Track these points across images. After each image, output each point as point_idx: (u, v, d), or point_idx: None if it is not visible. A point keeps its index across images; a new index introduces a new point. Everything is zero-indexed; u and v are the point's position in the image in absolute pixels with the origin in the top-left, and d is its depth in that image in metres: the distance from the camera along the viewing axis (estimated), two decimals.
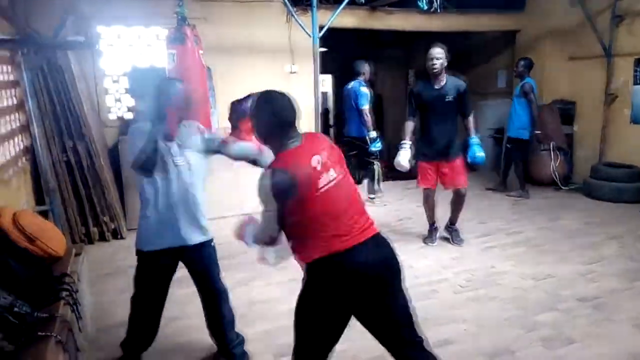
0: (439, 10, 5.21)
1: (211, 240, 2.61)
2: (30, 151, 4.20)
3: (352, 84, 5.79)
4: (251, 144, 2.54)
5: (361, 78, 5.79)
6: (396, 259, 1.94)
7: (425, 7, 5.16)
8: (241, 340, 2.74)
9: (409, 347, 1.97)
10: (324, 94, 10.95)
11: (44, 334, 2.11)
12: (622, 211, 5.41)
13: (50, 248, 2.98)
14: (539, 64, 7.09)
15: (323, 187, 1.84)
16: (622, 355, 2.70)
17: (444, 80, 4.13)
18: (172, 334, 3.00)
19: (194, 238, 2.50)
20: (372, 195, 6.00)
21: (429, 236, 4.60)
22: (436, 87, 4.14)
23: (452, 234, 4.56)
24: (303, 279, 1.94)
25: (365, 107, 5.60)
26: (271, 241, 1.97)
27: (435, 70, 4.07)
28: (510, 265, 3.96)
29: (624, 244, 4.39)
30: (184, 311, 3.20)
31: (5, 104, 3.70)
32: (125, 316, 2.73)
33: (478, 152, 4.14)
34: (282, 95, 1.95)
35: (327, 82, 10.82)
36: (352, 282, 1.84)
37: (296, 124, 1.95)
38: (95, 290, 3.56)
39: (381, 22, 6.54)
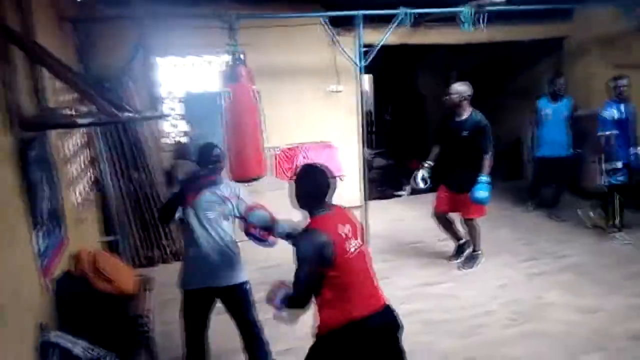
0: (483, 29, 5.18)
1: (246, 282, 2.95)
2: (98, 182, 4.52)
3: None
4: (266, 213, 2.87)
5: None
6: (398, 321, 2.32)
7: (471, 30, 5.13)
8: None
9: None
10: (363, 93, 11.00)
11: None
12: None
13: (124, 287, 3.27)
14: (585, 73, 6.96)
15: (350, 252, 2.17)
16: None
17: (465, 115, 4.35)
18: None
19: (229, 280, 2.87)
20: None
21: (454, 253, 4.78)
22: (456, 119, 4.38)
23: (466, 258, 4.67)
24: (316, 334, 2.23)
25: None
26: (305, 303, 2.16)
27: (448, 104, 4.35)
28: (558, 295, 4.00)
29: None
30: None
31: (78, 143, 4.01)
32: None
33: (479, 191, 4.21)
34: (322, 171, 2.29)
35: (364, 81, 10.86)
36: (367, 344, 2.17)
37: (328, 198, 2.28)
38: (161, 318, 3.84)
39: (422, 38, 6.56)
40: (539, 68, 8.20)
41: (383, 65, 10.78)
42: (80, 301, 2.73)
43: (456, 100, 4.29)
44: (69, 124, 2.57)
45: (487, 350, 3.30)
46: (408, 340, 3.39)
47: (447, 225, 4.75)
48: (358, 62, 5.26)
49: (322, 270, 2.11)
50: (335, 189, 2.29)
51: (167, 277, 4.68)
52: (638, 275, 4.28)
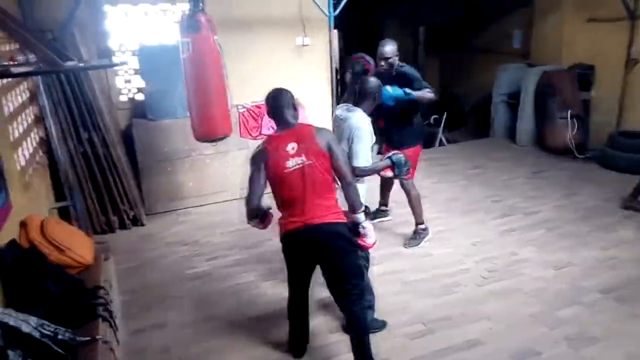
0: None
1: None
2: (45, 143, 4.15)
3: None
4: None
5: None
6: (337, 237, 2.52)
7: None
8: None
9: (345, 296, 2.61)
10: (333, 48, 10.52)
11: None
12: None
13: (80, 256, 3.01)
14: (557, 26, 6.88)
15: (289, 168, 2.45)
16: None
17: (393, 73, 3.92)
18: None
19: None
20: None
21: (369, 211, 4.32)
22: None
23: (412, 235, 4.28)
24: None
25: None
26: (250, 202, 2.54)
27: (387, 70, 3.90)
28: (530, 252, 3.99)
29: None
30: None
31: (19, 100, 3.62)
32: (158, 318, 3.07)
33: (391, 89, 3.64)
34: (276, 92, 2.63)
35: (334, 36, 10.39)
36: (303, 250, 2.56)
37: (284, 117, 2.58)
38: (123, 287, 3.62)
39: None
40: (508, 23, 8.07)
41: (349, 24, 10.43)
42: (28, 273, 2.47)
43: (389, 65, 3.88)
44: (3, 74, 2.24)
45: (463, 309, 3.25)
46: (384, 300, 3.35)
47: (384, 185, 4.64)
48: (328, 12, 4.97)
49: (260, 175, 2.50)
50: (289, 108, 2.58)
51: (127, 244, 4.45)
52: (602, 228, 4.35)
